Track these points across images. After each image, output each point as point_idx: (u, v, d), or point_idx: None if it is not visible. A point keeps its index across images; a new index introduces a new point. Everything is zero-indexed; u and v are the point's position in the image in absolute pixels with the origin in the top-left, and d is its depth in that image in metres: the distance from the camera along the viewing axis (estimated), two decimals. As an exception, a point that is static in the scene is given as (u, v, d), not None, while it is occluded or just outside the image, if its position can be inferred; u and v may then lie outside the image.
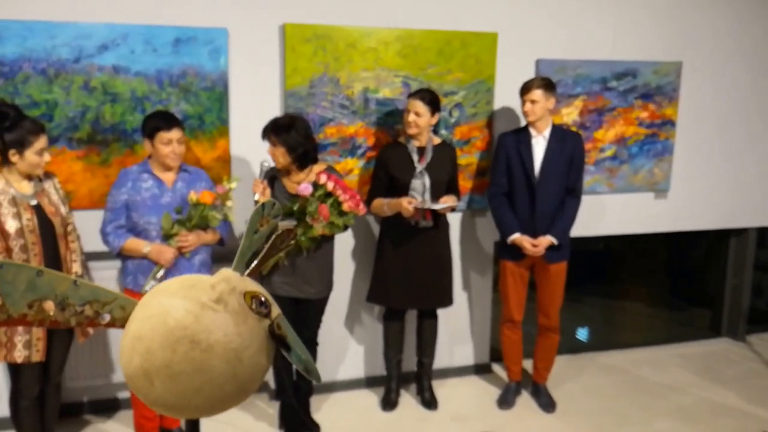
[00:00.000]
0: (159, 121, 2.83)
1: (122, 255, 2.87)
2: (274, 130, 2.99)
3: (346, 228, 3.09)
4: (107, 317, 1.32)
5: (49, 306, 1.28)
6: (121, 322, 1.33)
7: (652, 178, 4.14)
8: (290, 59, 3.34)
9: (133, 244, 2.83)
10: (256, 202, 2.90)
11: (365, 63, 3.47)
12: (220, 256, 3.04)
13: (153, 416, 3.00)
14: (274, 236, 1.40)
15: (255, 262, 1.38)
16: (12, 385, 2.79)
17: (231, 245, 3.13)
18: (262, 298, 1.26)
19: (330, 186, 3.00)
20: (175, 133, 2.83)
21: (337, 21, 3.41)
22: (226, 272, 1.30)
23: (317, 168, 3.12)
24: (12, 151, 2.61)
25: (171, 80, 3.21)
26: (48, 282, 1.27)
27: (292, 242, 1.46)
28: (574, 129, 3.82)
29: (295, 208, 2.97)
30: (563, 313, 3.68)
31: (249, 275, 1.34)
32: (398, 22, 3.53)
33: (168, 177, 2.91)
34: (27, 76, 3.00)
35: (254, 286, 1.28)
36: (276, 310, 1.28)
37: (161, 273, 2.81)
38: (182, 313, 1.18)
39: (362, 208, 3.10)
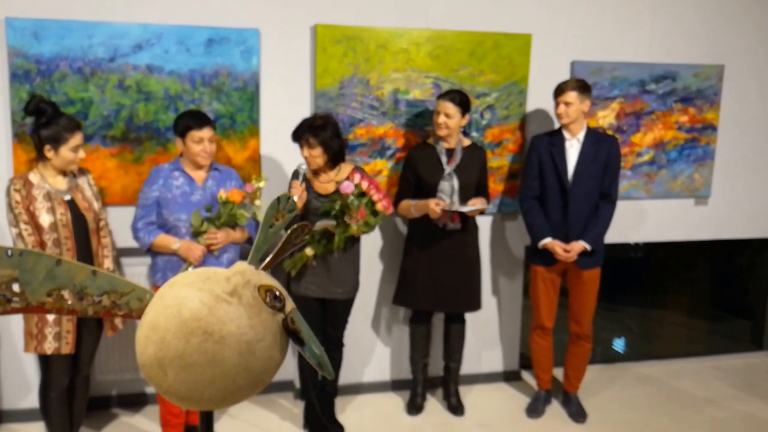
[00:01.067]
0: (191, 120, 2.86)
1: (152, 251, 2.91)
2: (312, 131, 2.98)
3: (373, 228, 3.07)
4: (124, 308, 1.33)
5: (68, 295, 1.29)
6: (137, 313, 1.34)
7: (692, 184, 4.02)
8: (321, 60, 3.35)
9: (163, 240, 2.86)
10: (298, 173, 3.00)
11: (396, 64, 3.45)
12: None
13: (179, 412, 3.02)
14: (289, 231, 1.39)
15: (270, 256, 1.37)
16: (42, 377, 2.85)
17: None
18: (277, 292, 1.25)
19: (364, 185, 2.99)
20: (206, 132, 2.86)
21: (368, 22, 3.41)
22: (242, 265, 1.29)
23: (345, 167, 3.11)
24: (47, 147, 2.67)
25: (203, 80, 3.24)
26: (66, 271, 1.28)
27: (306, 237, 1.44)
28: (609, 132, 3.73)
29: (337, 206, 2.95)
30: (598, 322, 3.58)
31: (264, 269, 1.33)
32: (430, 23, 3.50)
33: (199, 175, 2.94)
34: (63, 74, 3.07)
35: (269, 280, 1.27)
36: (290, 305, 1.26)
37: (190, 270, 2.83)
38: (197, 304, 1.18)
39: (390, 208, 3.09)
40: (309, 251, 3.01)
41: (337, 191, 3.01)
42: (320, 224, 2.98)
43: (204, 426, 1.30)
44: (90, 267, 1.27)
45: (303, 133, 3.00)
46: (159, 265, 2.91)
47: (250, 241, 3.04)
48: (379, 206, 3.00)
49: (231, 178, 3.03)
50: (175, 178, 2.90)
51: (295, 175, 3.05)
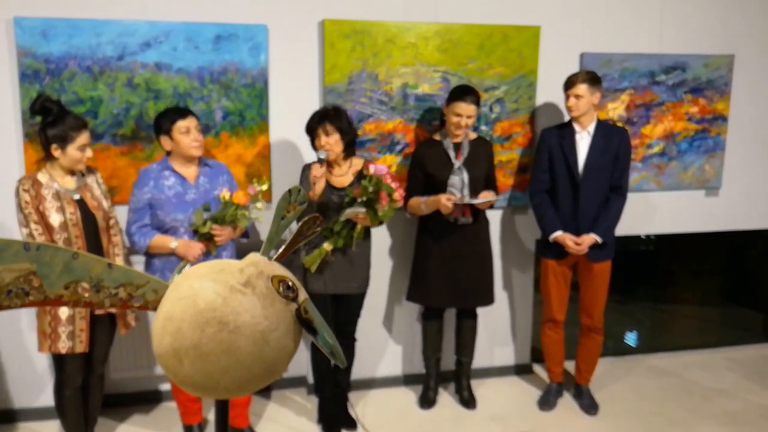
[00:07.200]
0: (173, 114, 2.83)
1: (148, 253, 2.87)
2: (328, 118, 2.99)
3: (390, 217, 3.06)
4: (140, 299, 1.34)
5: (84, 288, 1.30)
6: (153, 305, 1.34)
7: (703, 176, 3.99)
8: (329, 55, 3.35)
9: (160, 240, 2.82)
10: (322, 160, 2.91)
11: (404, 58, 3.44)
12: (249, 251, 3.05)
13: (196, 398, 3.01)
14: (300, 223, 1.39)
15: (282, 247, 1.37)
16: (56, 375, 2.87)
17: (255, 240, 3.16)
18: (289, 282, 1.25)
19: (381, 173, 2.99)
20: (191, 121, 2.84)
21: (376, 16, 3.40)
22: (254, 257, 1.30)
23: (357, 161, 3.13)
24: (54, 146, 2.67)
25: (212, 77, 3.25)
26: (83, 264, 1.29)
27: (318, 229, 1.44)
28: (620, 124, 3.71)
29: (371, 188, 2.92)
30: (609, 315, 3.56)
31: (276, 260, 1.34)
32: (438, 16, 3.50)
33: (190, 173, 2.89)
34: (73, 73, 3.08)
35: (281, 271, 1.28)
36: (303, 295, 1.27)
37: (187, 268, 2.80)
38: (211, 295, 1.19)
39: (401, 201, 3.09)
40: (327, 246, 3.02)
41: (362, 177, 3.00)
42: (350, 211, 2.97)
43: (220, 415, 1.31)
44: (106, 260, 1.28)
45: (321, 121, 2.99)
46: (156, 266, 2.87)
47: (246, 234, 3.03)
48: (396, 195, 3.01)
49: (222, 172, 2.98)
50: (165, 178, 2.85)
51: (306, 169, 3.06)
